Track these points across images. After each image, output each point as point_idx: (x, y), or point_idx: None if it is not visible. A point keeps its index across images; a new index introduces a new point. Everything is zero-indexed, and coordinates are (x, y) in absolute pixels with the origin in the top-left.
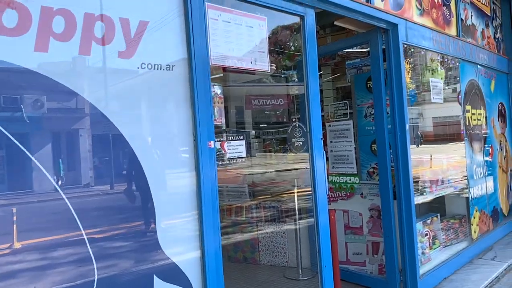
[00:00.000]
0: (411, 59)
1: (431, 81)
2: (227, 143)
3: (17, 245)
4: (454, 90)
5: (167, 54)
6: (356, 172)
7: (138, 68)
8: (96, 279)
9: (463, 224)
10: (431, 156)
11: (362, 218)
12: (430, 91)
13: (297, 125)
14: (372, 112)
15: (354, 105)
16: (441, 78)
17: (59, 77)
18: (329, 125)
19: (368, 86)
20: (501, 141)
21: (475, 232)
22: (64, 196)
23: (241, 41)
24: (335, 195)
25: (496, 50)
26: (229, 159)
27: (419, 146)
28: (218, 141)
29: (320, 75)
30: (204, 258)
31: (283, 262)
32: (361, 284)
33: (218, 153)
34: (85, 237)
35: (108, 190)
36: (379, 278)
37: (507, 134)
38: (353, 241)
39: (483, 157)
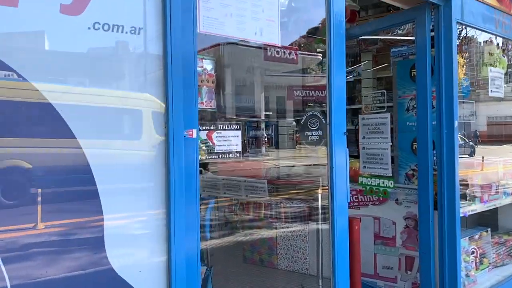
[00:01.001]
0: (466, 46)
1: (490, 71)
2: (217, 133)
3: None
4: None
5: (132, 13)
6: (391, 174)
7: (89, 28)
8: None
9: None
10: (482, 157)
11: (396, 227)
12: (487, 83)
13: (313, 114)
14: (415, 105)
15: (394, 96)
16: (503, 68)
17: None
18: (363, 118)
19: (413, 75)
20: None
21: None
22: None
23: (243, 5)
24: (366, 199)
25: None
26: (217, 153)
27: (476, 146)
28: (204, 130)
29: (358, 62)
30: (170, 264)
31: (302, 269)
32: None
33: (206, 144)
34: None
35: None
36: None
37: None
38: (383, 253)
39: None
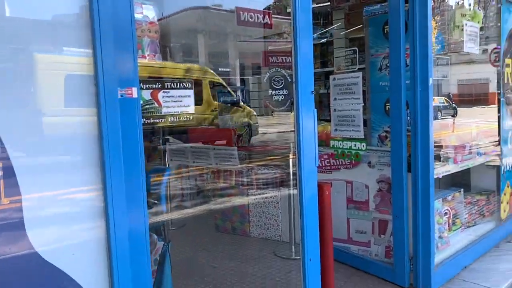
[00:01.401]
0: (438, 10)
1: (466, 25)
2: (164, 92)
3: None
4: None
5: None
6: (363, 137)
7: None
8: None
9: (490, 201)
10: (453, 119)
11: (369, 191)
12: (459, 45)
13: (276, 70)
14: (388, 64)
15: (367, 55)
16: (478, 22)
17: None
18: (334, 79)
19: (386, 32)
20: None
21: (504, 211)
22: None
23: None
24: (338, 163)
25: None
26: (164, 115)
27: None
28: (148, 89)
29: (330, 22)
30: (109, 243)
31: (275, 236)
32: (363, 270)
33: (150, 105)
34: None
35: None
36: (384, 265)
37: None
38: (356, 218)
39: None
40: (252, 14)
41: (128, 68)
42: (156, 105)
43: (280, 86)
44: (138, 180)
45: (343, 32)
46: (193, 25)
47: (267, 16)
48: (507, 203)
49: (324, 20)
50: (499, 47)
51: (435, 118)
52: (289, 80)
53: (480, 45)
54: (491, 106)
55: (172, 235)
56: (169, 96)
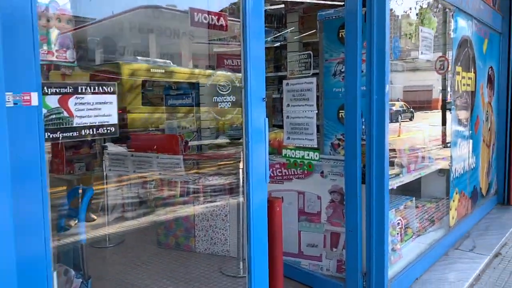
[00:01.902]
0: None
1: (421, 31)
2: (77, 98)
3: None
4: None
5: None
6: (316, 146)
7: None
8: None
9: (440, 209)
10: (399, 123)
11: (321, 202)
12: (405, 52)
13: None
14: (343, 70)
15: (321, 60)
16: (433, 29)
17: None
18: (287, 84)
19: (341, 36)
20: (487, 111)
21: (453, 218)
22: None
23: None
24: (290, 173)
25: (492, 3)
26: (76, 127)
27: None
28: (54, 94)
29: (284, 25)
30: None
31: (223, 251)
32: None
33: (57, 114)
34: None
35: None
36: (336, 282)
37: (494, 103)
38: (308, 230)
39: (469, 130)
40: (206, 15)
41: (25, 67)
42: (66, 114)
43: (227, 92)
44: (37, 204)
45: (297, 37)
46: (144, 24)
47: (222, 18)
48: (456, 209)
49: (278, 23)
50: (444, 55)
51: (396, 120)
52: (237, 84)
53: (423, 53)
54: (434, 111)
55: (109, 253)
56: (83, 103)
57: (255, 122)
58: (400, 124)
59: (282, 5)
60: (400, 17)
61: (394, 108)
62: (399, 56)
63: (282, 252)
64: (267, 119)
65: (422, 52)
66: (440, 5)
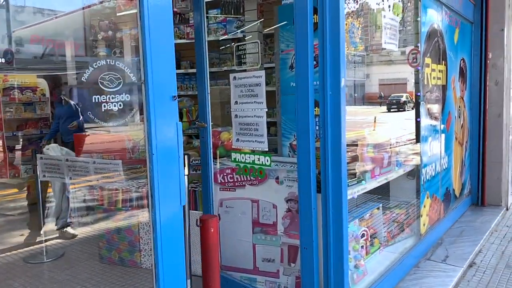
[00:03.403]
0: (361, 12)
1: (384, 17)
2: None
3: None
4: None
5: None
6: (267, 149)
7: None
8: None
9: (410, 214)
10: (375, 118)
11: (277, 211)
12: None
13: (110, 64)
14: None
15: (276, 51)
16: (398, 15)
17: None
18: (234, 78)
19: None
20: (459, 106)
21: (424, 225)
22: None
23: None
24: (242, 179)
25: None
26: None
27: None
28: None
29: (242, 13)
30: None
31: None
32: None
33: None
34: None
35: None
36: None
37: (466, 98)
38: (263, 243)
39: (440, 127)
40: None
41: None
42: None
43: (115, 88)
44: None
45: (253, 24)
46: None
47: None
48: (427, 215)
49: (236, 12)
50: (417, 47)
51: (403, 110)
52: (133, 80)
53: (399, 47)
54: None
55: (46, 269)
56: None
57: (163, 129)
58: (375, 120)
59: None
60: (374, 10)
61: (402, 99)
62: (369, 50)
63: (219, 280)
64: (180, 124)
65: (385, 41)
66: None
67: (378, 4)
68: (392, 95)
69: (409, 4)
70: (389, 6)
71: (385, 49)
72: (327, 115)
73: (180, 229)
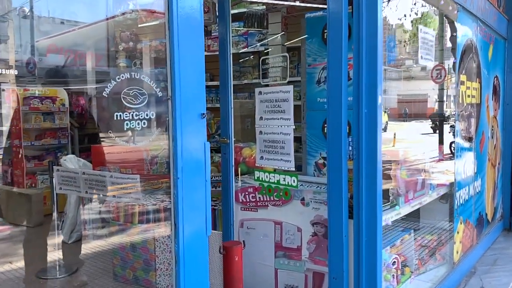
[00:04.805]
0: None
1: (420, 31)
2: None
3: None
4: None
5: None
6: (294, 168)
7: None
8: None
9: (442, 242)
10: (394, 134)
11: (302, 235)
12: (416, 47)
13: (132, 77)
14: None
15: (303, 65)
16: (434, 29)
17: None
18: (260, 92)
19: (326, 37)
20: (493, 126)
21: (457, 252)
22: None
23: None
24: (265, 199)
25: (496, 4)
26: None
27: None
28: None
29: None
30: None
31: None
32: None
33: None
34: None
35: None
36: None
37: (499, 117)
38: (286, 268)
39: (474, 148)
40: None
41: None
42: None
43: (139, 105)
44: None
45: (276, 36)
46: None
47: None
48: (460, 242)
49: (258, 25)
50: (441, 63)
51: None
52: (158, 92)
53: (423, 58)
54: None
55: (59, 285)
56: None
57: (190, 149)
58: (394, 136)
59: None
60: (394, 25)
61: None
62: (393, 63)
63: None
64: (208, 144)
65: (422, 57)
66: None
67: (399, 20)
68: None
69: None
70: (411, 22)
71: (405, 64)
72: (361, 134)
73: (205, 263)
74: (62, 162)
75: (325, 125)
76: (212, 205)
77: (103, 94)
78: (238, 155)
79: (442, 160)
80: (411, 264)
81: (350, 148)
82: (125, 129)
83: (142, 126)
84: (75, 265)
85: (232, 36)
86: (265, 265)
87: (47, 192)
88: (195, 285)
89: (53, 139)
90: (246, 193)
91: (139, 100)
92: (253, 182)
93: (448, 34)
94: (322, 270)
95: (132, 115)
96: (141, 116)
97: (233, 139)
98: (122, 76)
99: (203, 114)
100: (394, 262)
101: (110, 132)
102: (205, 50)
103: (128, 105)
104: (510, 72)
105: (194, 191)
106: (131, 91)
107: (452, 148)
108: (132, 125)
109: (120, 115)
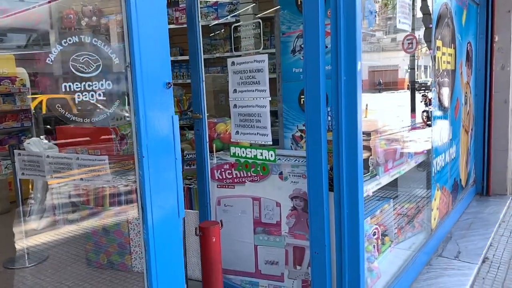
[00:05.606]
0: None
1: None
2: None
3: None
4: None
5: None
6: (271, 142)
7: None
8: None
9: (420, 209)
10: (366, 105)
11: (281, 210)
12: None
13: (81, 40)
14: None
15: (277, 34)
16: None
17: None
18: (232, 63)
19: (300, 3)
20: (466, 92)
21: (434, 219)
22: None
23: None
24: (242, 175)
25: None
26: None
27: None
28: None
29: None
30: None
31: None
32: None
33: None
34: None
35: None
36: None
37: (471, 83)
38: (266, 244)
39: (449, 115)
40: None
41: None
42: None
43: (92, 73)
44: None
45: (247, 8)
46: None
47: None
48: (437, 208)
49: None
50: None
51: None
52: (116, 62)
53: (388, 33)
54: (400, 91)
55: (28, 275)
56: None
57: (155, 124)
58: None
59: None
60: None
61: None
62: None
63: None
64: (176, 117)
65: (400, 21)
66: None
67: None
68: (420, 79)
69: None
70: None
71: (375, 35)
72: (341, 104)
73: (179, 248)
74: (25, 145)
75: (302, 97)
76: (187, 184)
77: (47, 61)
78: (212, 131)
79: (418, 128)
80: (391, 233)
81: (329, 118)
82: (76, 102)
83: (97, 98)
84: (45, 252)
85: (201, 7)
86: (245, 242)
87: (12, 178)
88: (169, 273)
89: (15, 122)
90: (222, 170)
91: (91, 68)
92: (229, 159)
93: (418, 2)
94: (302, 244)
95: (85, 85)
96: (95, 87)
97: (206, 114)
98: (70, 40)
99: (169, 83)
100: (375, 232)
101: (58, 107)
102: (173, 23)
103: (78, 73)
104: (482, 38)
105: (163, 171)
106: (81, 57)
107: (424, 117)
108: (85, 98)
109: (69, 85)
